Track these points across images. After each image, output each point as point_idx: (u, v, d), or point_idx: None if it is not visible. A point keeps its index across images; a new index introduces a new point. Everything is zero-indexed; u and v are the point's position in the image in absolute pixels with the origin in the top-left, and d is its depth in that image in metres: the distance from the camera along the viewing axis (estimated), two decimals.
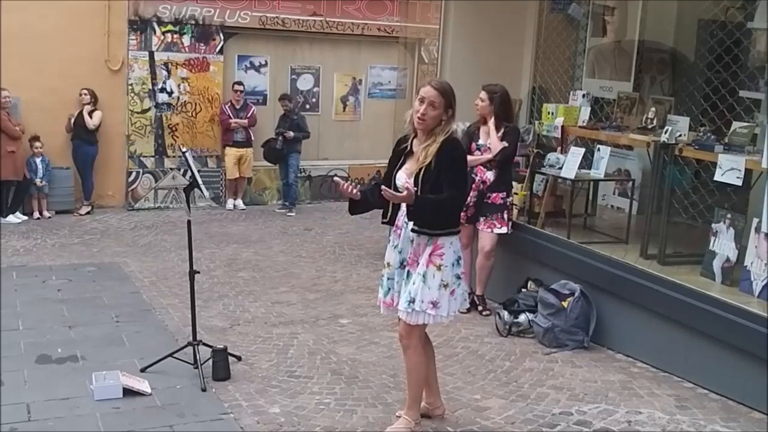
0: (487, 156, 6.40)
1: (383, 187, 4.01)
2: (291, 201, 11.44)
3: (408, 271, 4.16)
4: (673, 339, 5.35)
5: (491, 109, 6.43)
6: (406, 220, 4.13)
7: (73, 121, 10.41)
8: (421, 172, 4.04)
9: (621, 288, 5.73)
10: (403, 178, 4.13)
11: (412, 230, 4.10)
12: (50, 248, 8.65)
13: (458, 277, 4.20)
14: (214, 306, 6.67)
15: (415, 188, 4.00)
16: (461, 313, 6.45)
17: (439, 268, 4.10)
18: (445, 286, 4.12)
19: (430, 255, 4.09)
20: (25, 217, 10.04)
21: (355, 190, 4.08)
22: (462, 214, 6.39)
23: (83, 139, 10.43)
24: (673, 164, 6.01)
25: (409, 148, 4.20)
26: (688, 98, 6.61)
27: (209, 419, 4.50)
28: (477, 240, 6.61)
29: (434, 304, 4.09)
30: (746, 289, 5.24)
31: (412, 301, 4.09)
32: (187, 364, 5.10)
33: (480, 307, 6.62)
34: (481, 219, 6.46)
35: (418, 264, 4.12)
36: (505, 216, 6.47)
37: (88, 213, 10.51)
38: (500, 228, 6.45)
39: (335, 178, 4.34)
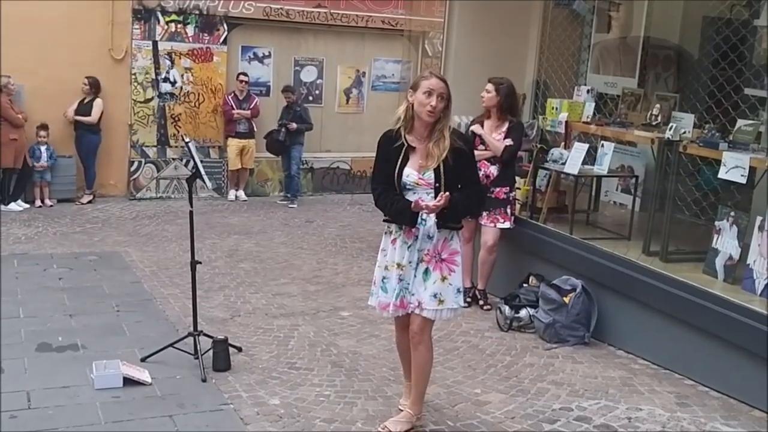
0: (490, 153, 6.38)
1: (421, 202, 3.98)
2: (293, 193, 11.43)
3: (427, 268, 4.12)
4: (675, 336, 5.35)
5: (497, 101, 6.39)
6: (425, 218, 4.08)
7: (74, 110, 10.41)
8: (441, 168, 4.02)
9: (623, 284, 5.72)
10: (415, 175, 4.07)
11: (443, 226, 4.08)
12: (52, 237, 8.65)
13: None
14: (214, 297, 6.67)
15: (437, 183, 4.03)
16: (463, 307, 6.52)
17: (459, 262, 4.20)
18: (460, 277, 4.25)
19: (458, 249, 4.18)
20: (27, 205, 10.03)
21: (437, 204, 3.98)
22: None
23: (87, 128, 10.42)
24: (705, 164, 6.00)
25: (406, 143, 4.10)
26: (693, 95, 6.59)
27: (209, 410, 4.50)
28: (479, 234, 6.60)
29: (459, 291, 4.18)
30: (749, 287, 5.22)
31: (433, 298, 4.11)
32: (188, 355, 5.10)
33: (481, 302, 6.61)
34: (484, 213, 6.44)
35: (444, 260, 4.11)
36: (508, 211, 6.45)
37: (89, 202, 10.50)
38: (503, 223, 6.44)
39: (420, 203, 4.03)
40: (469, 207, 4.23)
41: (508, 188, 6.46)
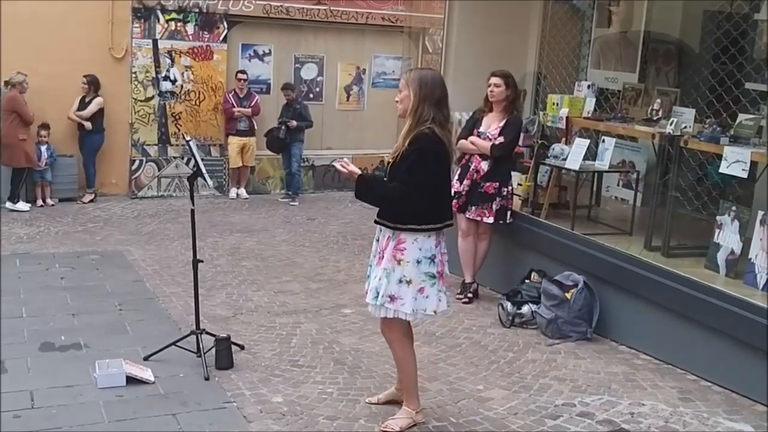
0: (478, 151, 6.40)
1: (336, 160, 4.18)
2: (294, 190, 11.43)
3: (375, 264, 4.19)
4: (677, 331, 5.35)
5: (507, 94, 6.39)
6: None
7: (75, 110, 10.42)
8: (394, 162, 4.06)
9: (625, 279, 5.72)
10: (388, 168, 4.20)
11: (374, 221, 4.16)
12: (53, 236, 8.65)
13: (431, 276, 4.12)
14: (217, 295, 6.68)
15: (385, 179, 4.14)
16: (463, 303, 6.54)
17: (399, 263, 4.07)
18: (408, 282, 4.07)
19: (394, 249, 4.07)
20: (29, 205, 10.03)
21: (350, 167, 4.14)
22: (454, 202, 6.45)
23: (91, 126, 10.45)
24: (706, 159, 6.00)
25: None
26: (694, 90, 6.58)
27: (212, 408, 4.50)
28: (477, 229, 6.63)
29: (392, 298, 4.07)
30: (750, 281, 5.22)
31: (376, 295, 4.12)
32: (190, 353, 5.10)
33: (460, 294, 6.69)
34: (472, 208, 6.47)
35: (383, 258, 4.11)
36: (494, 206, 6.45)
37: (91, 201, 10.50)
38: (488, 218, 6.46)
39: (335, 164, 4.25)
40: (372, 192, 4.14)
41: (497, 184, 6.45)
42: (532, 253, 6.61)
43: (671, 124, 5.92)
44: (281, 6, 11.56)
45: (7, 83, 9.66)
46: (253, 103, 11.35)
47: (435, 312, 4.21)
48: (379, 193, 4.12)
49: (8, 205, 9.72)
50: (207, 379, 4.85)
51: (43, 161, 10.10)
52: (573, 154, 6.60)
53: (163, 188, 11.28)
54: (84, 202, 10.45)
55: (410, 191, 3.98)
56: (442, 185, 4.18)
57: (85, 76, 10.38)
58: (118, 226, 9.31)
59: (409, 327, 4.36)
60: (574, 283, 5.87)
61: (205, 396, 4.65)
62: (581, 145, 6.60)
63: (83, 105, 10.44)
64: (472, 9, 7.80)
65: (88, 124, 10.37)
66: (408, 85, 4.08)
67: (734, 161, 5.34)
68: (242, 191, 11.56)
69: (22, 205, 9.83)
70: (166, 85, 11.11)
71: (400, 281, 4.07)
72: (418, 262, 4.08)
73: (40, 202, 10.15)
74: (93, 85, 10.44)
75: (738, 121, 5.74)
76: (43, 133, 10.12)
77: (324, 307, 6.50)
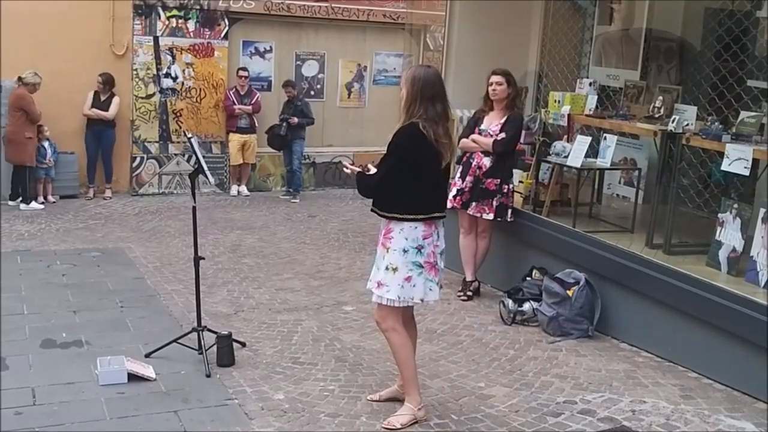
0: (480, 148, 6.39)
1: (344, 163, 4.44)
2: (295, 188, 11.43)
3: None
4: (678, 329, 5.34)
5: (509, 92, 6.40)
6: None
7: (90, 106, 10.42)
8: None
9: (626, 277, 5.72)
10: None
11: (370, 209, 4.32)
12: (55, 233, 8.65)
13: (418, 266, 4.17)
14: (218, 292, 6.68)
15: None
16: (462, 301, 6.55)
17: (387, 250, 4.19)
18: (394, 269, 4.16)
19: (383, 237, 4.23)
20: (43, 204, 10.03)
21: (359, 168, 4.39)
22: (458, 198, 6.47)
23: (107, 123, 10.50)
24: (708, 156, 6.00)
25: None
26: (696, 87, 6.57)
27: (213, 405, 4.50)
28: (477, 225, 6.64)
29: (379, 285, 4.20)
30: (752, 279, 5.22)
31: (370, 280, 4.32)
32: (192, 350, 5.10)
33: (460, 292, 6.71)
34: (473, 204, 6.47)
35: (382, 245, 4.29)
36: (494, 203, 6.45)
37: (111, 197, 10.59)
38: (488, 214, 6.46)
39: (343, 164, 4.49)
40: (358, 184, 4.39)
41: (498, 180, 6.46)
42: (534, 250, 6.61)
43: (673, 122, 5.92)
44: (282, 3, 11.56)
45: (19, 79, 9.65)
46: (254, 101, 11.35)
47: (422, 300, 4.27)
48: (360, 182, 4.35)
49: (22, 206, 9.72)
50: (208, 376, 4.85)
51: (49, 158, 10.11)
52: (575, 152, 6.59)
53: (164, 185, 11.28)
54: (109, 198, 10.54)
55: (378, 181, 4.21)
56: (423, 178, 4.17)
57: (100, 75, 10.37)
58: (119, 223, 9.31)
59: (411, 319, 4.44)
60: (575, 281, 5.87)
61: (206, 393, 4.65)
62: (583, 142, 6.59)
63: (99, 103, 10.43)
64: (474, 6, 7.79)
65: (106, 114, 10.42)
66: (404, 83, 4.20)
67: (736, 159, 5.33)
68: (243, 188, 11.56)
69: (35, 205, 9.84)
70: (167, 82, 11.11)
71: (387, 268, 4.18)
72: (405, 251, 4.16)
73: (41, 198, 10.14)
74: (108, 83, 10.45)
75: (740, 118, 5.74)
76: (44, 128, 10.10)
77: (325, 304, 6.50)
